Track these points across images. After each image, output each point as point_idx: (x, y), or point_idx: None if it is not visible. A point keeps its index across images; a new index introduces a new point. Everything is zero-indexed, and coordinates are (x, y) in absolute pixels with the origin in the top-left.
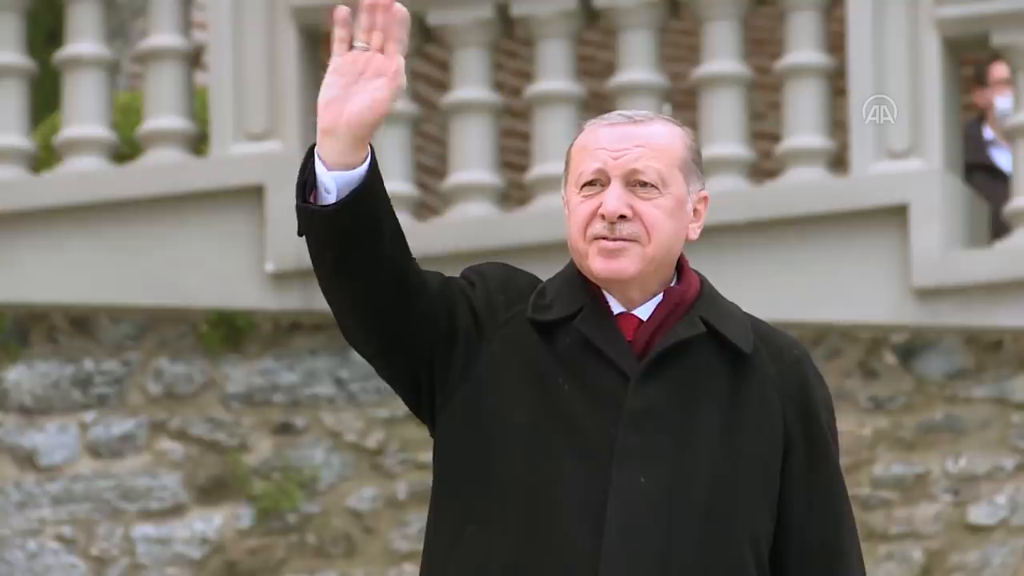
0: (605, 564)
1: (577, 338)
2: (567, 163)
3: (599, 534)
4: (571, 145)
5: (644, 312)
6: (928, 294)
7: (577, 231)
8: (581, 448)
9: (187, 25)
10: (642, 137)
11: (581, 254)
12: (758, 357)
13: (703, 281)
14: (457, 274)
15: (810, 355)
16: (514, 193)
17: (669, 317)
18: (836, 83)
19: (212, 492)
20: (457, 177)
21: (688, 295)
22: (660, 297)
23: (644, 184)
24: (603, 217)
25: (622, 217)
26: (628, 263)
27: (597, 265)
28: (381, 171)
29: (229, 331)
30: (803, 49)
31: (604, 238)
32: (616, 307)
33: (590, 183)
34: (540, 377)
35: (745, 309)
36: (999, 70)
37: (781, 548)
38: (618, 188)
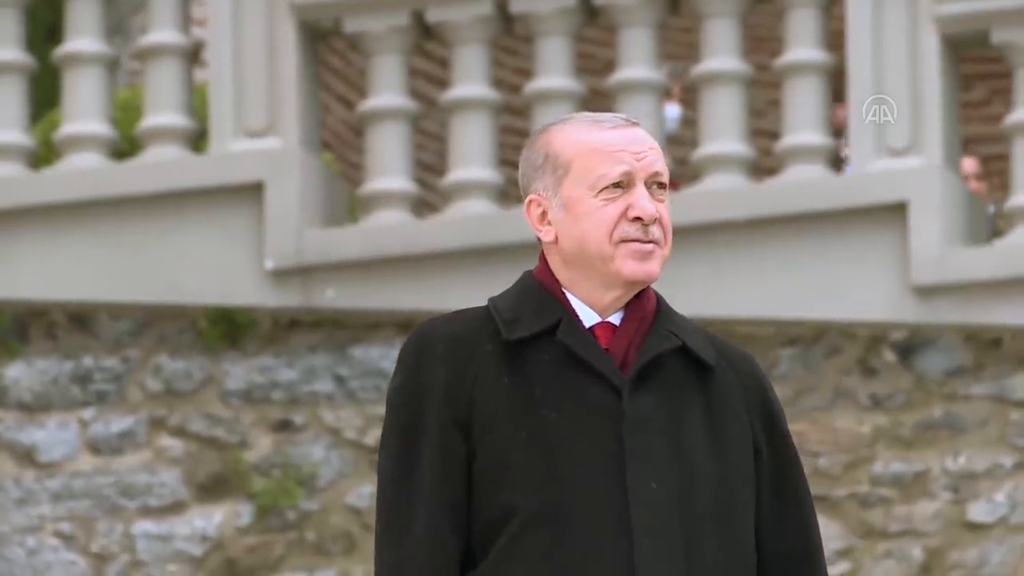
0: (641, 564)
1: (559, 353)
2: (563, 164)
3: (624, 542)
4: (561, 145)
5: (614, 320)
6: (927, 291)
7: (602, 234)
8: (583, 468)
9: (186, 21)
10: (649, 139)
11: (605, 257)
12: (719, 368)
13: (657, 293)
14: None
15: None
16: (513, 190)
17: (639, 329)
18: (834, 86)
19: (212, 489)
20: (457, 174)
21: (649, 307)
22: (623, 311)
23: (662, 186)
24: (637, 219)
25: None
26: (654, 266)
27: (628, 267)
28: (380, 169)
29: (228, 328)
30: (803, 46)
31: (638, 240)
32: (588, 319)
33: (615, 185)
34: (525, 416)
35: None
36: None
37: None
38: (644, 190)
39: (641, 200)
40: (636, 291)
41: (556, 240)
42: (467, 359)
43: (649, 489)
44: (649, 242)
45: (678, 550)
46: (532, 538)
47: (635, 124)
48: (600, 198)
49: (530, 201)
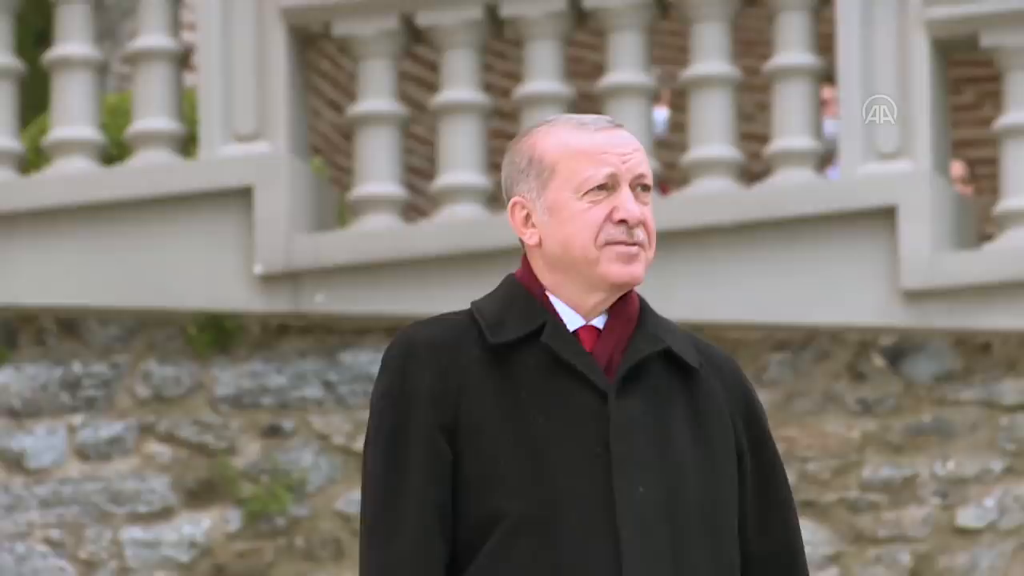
0: (628, 568)
1: (544, 357)
2: (548, 166)
3: (611, 545)
4: (545, 148)
5: (598, 324)
6: (917, 296)
7: (588, 237)
8: (571, 472)
9: (176, 26)
10: (633, 141)
11: (590, 261)
12: (703, 370)
13: (640, 296)
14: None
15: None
16: (502, 194)
17: (623, 332)
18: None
19: (200, 495)
20: (446, 179)
21: (633, 310)
22: (606, 314)
23: (646, 188)
24: (622, 222)
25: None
26: (639, 268)
27: (614, 270)
28: (369, 173)
29: (218, 333)
30: (792, 50)
31: (623, 243)
32: (572, 322)
33: (600, 187)
34: (511, 420)
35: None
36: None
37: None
38: (629, 192)
39: (626, 202)
40: (620, 294)
41: (540, 243)
42: (452, 363)
43: (636, 492)
44: (634, 244)
45: (665, 553)
46: (520, 542)
47: (619, 126)
48: (585, 200)
49: (514, 204)
